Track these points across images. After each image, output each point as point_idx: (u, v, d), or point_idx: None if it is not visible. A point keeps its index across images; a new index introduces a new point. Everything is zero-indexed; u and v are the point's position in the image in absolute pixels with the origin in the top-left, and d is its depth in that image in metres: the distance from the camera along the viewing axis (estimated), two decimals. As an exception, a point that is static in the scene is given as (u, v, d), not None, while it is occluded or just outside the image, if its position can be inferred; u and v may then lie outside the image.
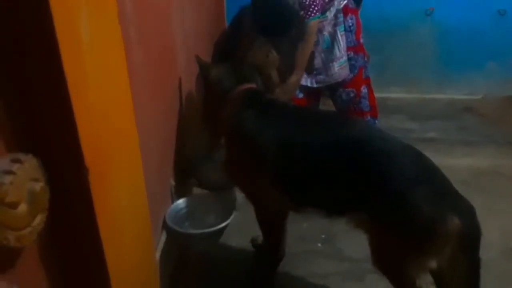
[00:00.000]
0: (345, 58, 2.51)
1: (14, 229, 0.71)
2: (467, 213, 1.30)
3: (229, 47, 3.10)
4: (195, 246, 1.88)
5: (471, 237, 1.29)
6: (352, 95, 2.61)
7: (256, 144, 1.54)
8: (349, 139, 1.43)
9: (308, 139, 1.48)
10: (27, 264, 0.79)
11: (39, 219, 0.76)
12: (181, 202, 1.89)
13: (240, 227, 2.07)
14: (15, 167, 0.71)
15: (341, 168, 1.40)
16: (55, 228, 0.84)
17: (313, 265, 1.87)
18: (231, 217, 1.76)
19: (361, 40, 2.61)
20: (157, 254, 1.55)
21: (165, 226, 1.72)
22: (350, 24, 2.53)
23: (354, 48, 2.56)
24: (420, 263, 1.30)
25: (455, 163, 2.52)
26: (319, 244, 2.01)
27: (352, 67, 2.56)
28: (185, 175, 2.10)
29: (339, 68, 2.51)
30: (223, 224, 1.73)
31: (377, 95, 3.68)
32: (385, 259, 1.41)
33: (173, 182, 1.91)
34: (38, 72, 0.76)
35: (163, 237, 1.69)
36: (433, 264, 1.28)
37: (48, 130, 0.80)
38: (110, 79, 0.94)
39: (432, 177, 1.35)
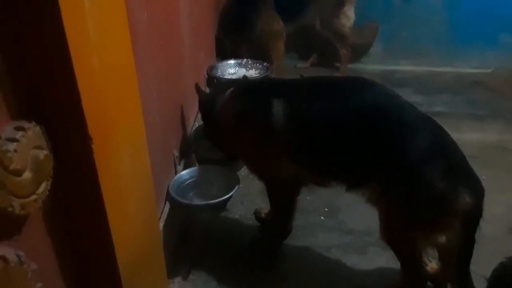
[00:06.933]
0: None
1: (19, 197, 0.71)
2: (478, 193, 1.30)
3: (236, 23, 3.08)
4: (199, 217, 1.89)
5: (476, 217, 1.30)
6: None
7: (267, 121, 1.51)
8: (366, 106, 1.39)
9: (321, 108, 1.45)
10: (32, 231, 0.79)
11: (43, 187, 0.77)
12: (185, 173, 1.88)
13: (243, 199, 2.08)
14: (18, 134, 0.70)
15: (356, 136, 1.37)
16: (60, 196, 0.84)
17: (315, 238, 1.89)
18: (235, 189, 1.76)
19: None
20: (161, 225, 1.56)
21: (168, 197, 1.73)
22: None
23: None
24: (429, 238, 1.31)
25: (462, 138, 2.43)
26: (322, 217, 2.02)
27: None
28: (188, 146, 2.10)
29: None
30: (227, 196, 1.73)
31: (385, 67, 3.63)
32: (394, 233, 1.41)
33: (176, 153, 1.90)
34: (40, 38, 0.74)
35: (166, 208, 1.69)
36: (441, 239, 1.29)
37: (51, 98, 0.79)
38: (113, 44, 0.92)
39: (449, 153, 1.33)
